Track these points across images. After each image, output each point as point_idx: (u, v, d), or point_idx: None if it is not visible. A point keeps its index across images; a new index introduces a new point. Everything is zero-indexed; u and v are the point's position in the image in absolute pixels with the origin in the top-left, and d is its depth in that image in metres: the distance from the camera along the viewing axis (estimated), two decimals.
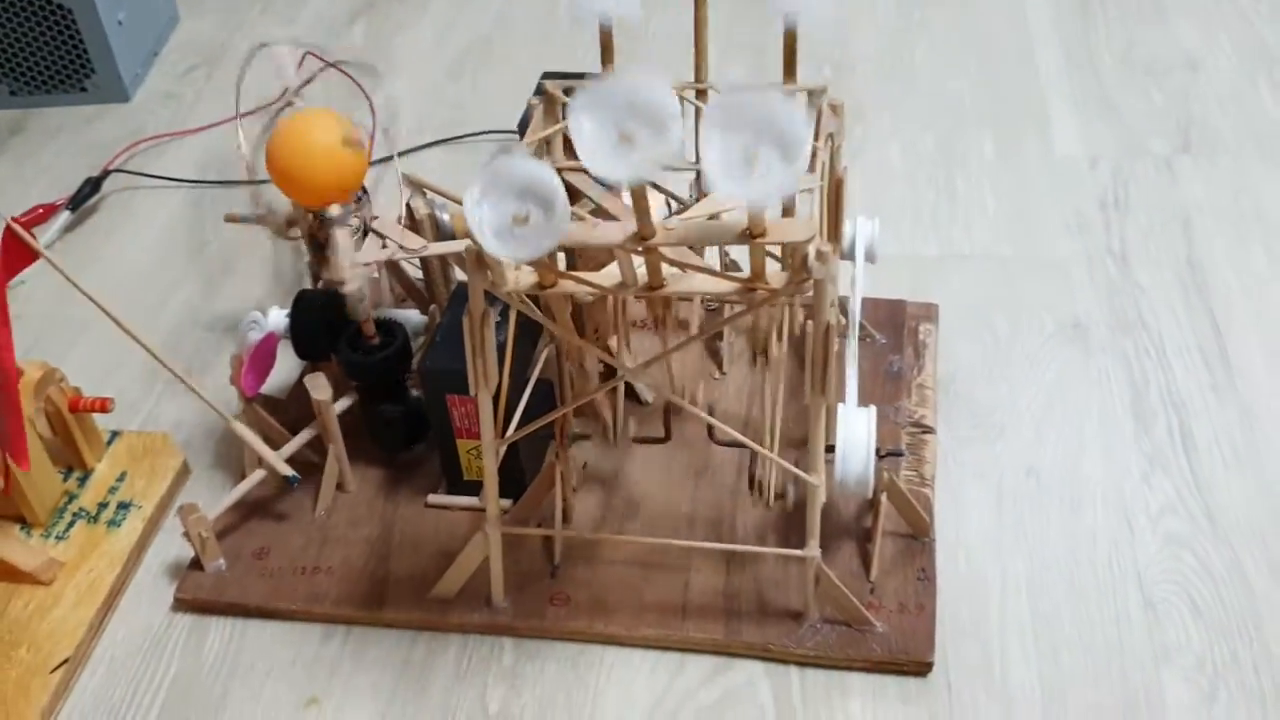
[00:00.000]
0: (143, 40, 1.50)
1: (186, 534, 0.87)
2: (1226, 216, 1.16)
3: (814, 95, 0.78)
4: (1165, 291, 1.08)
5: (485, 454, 0.77)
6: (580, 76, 0.83)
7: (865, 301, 1.06)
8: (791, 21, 0.78)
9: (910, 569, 0.85)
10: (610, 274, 0.69)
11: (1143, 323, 1.06)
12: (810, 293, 0.67)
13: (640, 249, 0.64)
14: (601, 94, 0.56)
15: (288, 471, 0.90)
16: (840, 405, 0.81)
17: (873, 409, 0.81)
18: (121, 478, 0.97)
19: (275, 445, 0.95)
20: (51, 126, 1.43)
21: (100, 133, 1.41)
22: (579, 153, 0.56)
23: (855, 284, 0.93)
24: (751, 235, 0.63)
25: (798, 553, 0.78)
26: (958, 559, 0.88)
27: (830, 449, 0.80)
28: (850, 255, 0.95)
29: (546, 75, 0.83)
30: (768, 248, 0.65)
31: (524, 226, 0.61)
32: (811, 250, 0.65)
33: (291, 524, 0.92)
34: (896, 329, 1.04)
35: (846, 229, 0.96)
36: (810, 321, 0.69)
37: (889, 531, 0.87)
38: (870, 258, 0.96)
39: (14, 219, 1.27)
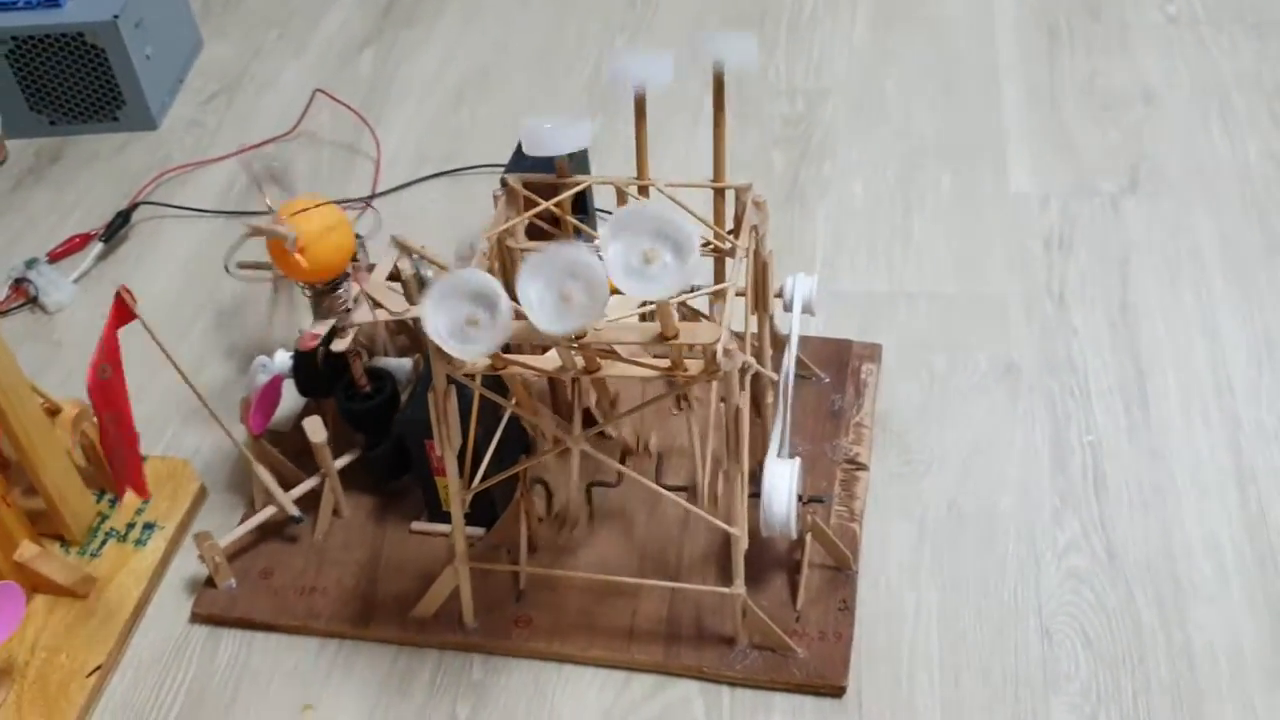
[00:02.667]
0: (169, 70, 1.61)
1: (202, 558, 1.00)
2: (1163, 258, 1.25)
3: (741, 192, 0.88)
4: (1096, 334, 1.18)
5: (452, 501, 0.89)
6: (547, 165, 0.93)
7: (813, 341, 1.17)
8: (719, 66, 0.88)
9: (833, 599, 0.96)
10: (552, 359, 0.80)
11: (1071, 364, 1.15)
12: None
13: (574, 345, 0.76)
14: (544, 261, 0.67)
15: (294, 512, 1.02)
16: (769, 457, 0.92)
17: (796, 461, 0.92)
18: (147, 501, 1.10)
19: (280, 474, 1.07)
20: (86, 154, 1.55)
21: (130, 160, 1.53)
22: (527, 312, 0.68)
23: (790, 340, 1.03)
24: (664, 337, 0.74)
25: (725, 590, 0.89)
26: (879, 589, 0.99)
27: (757, 495, 0.91)
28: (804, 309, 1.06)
29: (509, 169, 0.94)
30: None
31: (474, 327, 0.72)
32: (720, 348, 0.76)
33: (293, 547, 1.04)
34: (840, 368, 1.15)
35: (786, 285, 1.06)
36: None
37: (816, 564, 0.99)
38: (808, 310, 1.06)
39: (51, 252, 1.41)
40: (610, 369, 0.79)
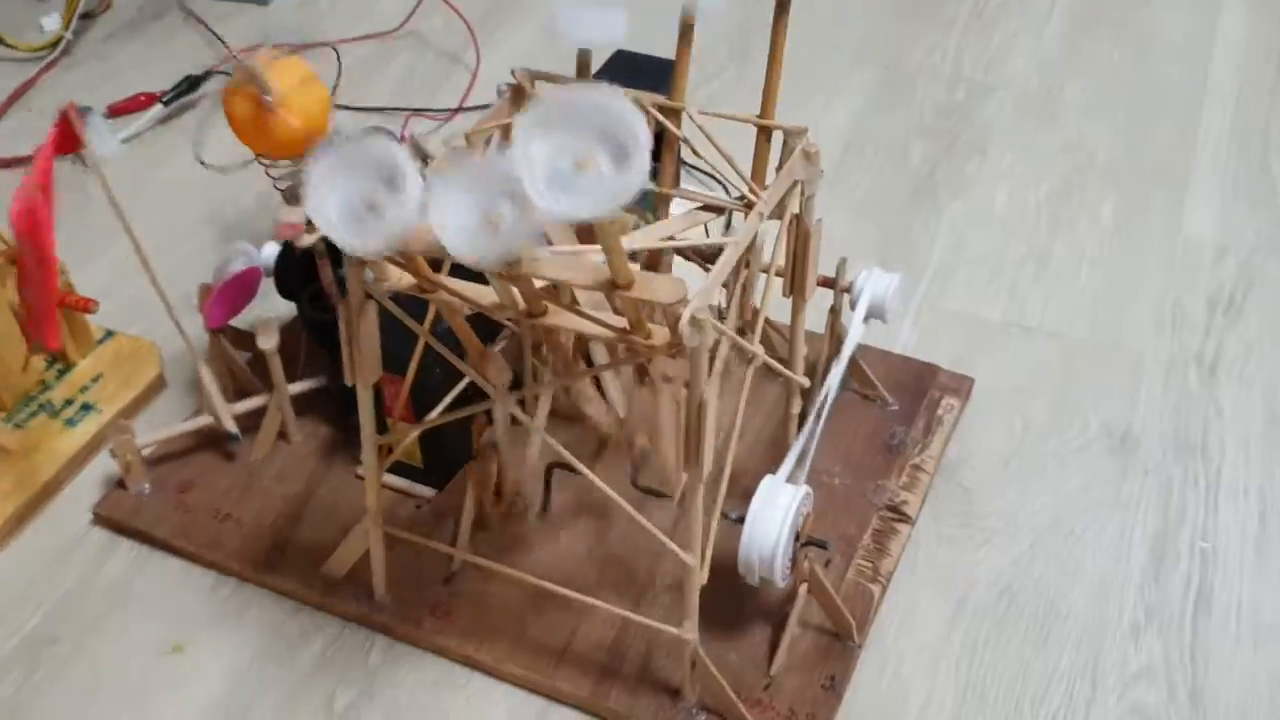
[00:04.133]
0: None
1: (113, 452, 0.86)
2: None
3: (791, 136, 0.69)
4: (1246, 420, 0.94)
5: (364, 448, 0.72)
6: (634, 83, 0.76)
7: (892, 358, 0.96)
8: (689, 10, 0.69)
9: (818, 672, 0.76)
10: (490, 292, 0.62)
11: (1205, 450, 0.91)
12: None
13: (504, 276, 0.58)
14: (469, 171, 0.50)
15: (231, 427, 0.88)
16: (768, 476, 0.73)
17: (802, 491, 0.73)
18: (97, 379, 0.97)
19: (237, 383, 0.93)
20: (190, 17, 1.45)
21: (231, 29, 1.42)
22: (438, 232, 0.51)
23: (845, 345, 0.83)
24: (615, 285, 0.56)
25: (672, 630, 0.70)
26: (883, 672, 0.78)
27: (741, 520, 0.72)
28: (871, 312, 0.85)
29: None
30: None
31: (374, 213, 0.55)
32: (684, 315, 0.57)
33: (225, 465, 0.90)
34: (915, 396, 0.94)
35: (858, 279, 0.86)
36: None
37: (812, 625, 0.78)
38: (878, 315, 0.86)
39: (112, 105, 1.30)
40: (556, 317, 0.61)
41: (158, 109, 1.29)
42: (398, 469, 0.88)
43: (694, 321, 0.57)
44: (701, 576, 0.68)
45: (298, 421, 0.91)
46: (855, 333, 0.84)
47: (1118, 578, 0.83)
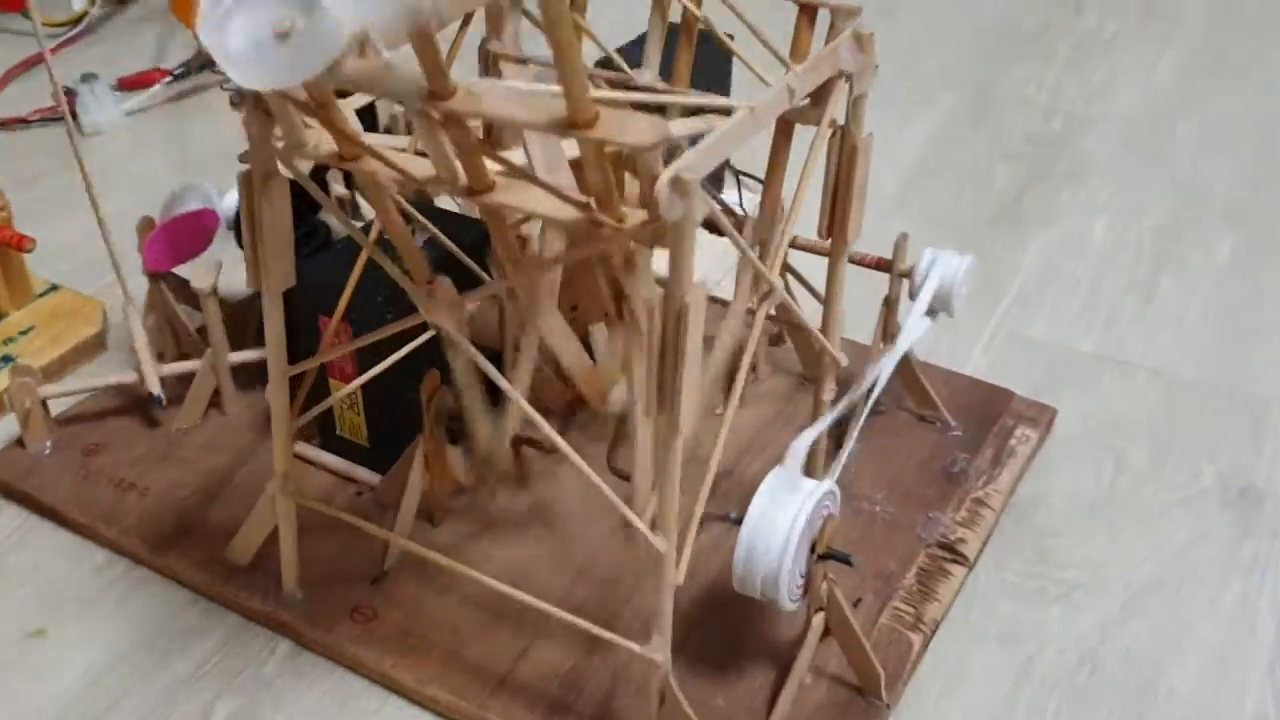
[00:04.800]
0: None
1: (9, 398, 0.72)
2: None
3: (839, 15, 0.54)
4: None
5: (272, 383, 0.57)
6: None
7: (959, 379, 0.79)
8: None
9: None
10: (425, 164, 0.48)
11: None
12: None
13: (437, 115, 0.43)
14: None
15: (155, 389, 0.73)
16: (782, 466, 0.56)
17: (824, 485, 0.56)
18: (27, 331, 0.84)
19: (181, 342, 0.79)
20: None
21: None
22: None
23: (904, 335, 0.67)
24: (573, 124, 0.41)
25: (635, 647, 0.53)
26: None
27: (738, 521, 0.55)
28: (934, 304, 0.69)
29: None
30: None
31: (284, 42, 0.41)
32: (666, 176, 0.41)
33: (145, 431, 0.76)
34: (985, 421, 0.76)
35: (922, 260, 0.70)
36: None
37: (829, 674, 0.61)
38: (944, 308, 0.70)
39: (122, 78, 1.21)
40: (506, 194, 0.46)
41: (166, 84, 1.19)
42: (339, 447, 0.72)
43: (676, 184, 0.41)
44: (677, 574, 0.51)
45: (238, 392, 0.77)
46: (915, 326, 0.68)
47: (1238, 654, 0.64)
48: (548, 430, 0.52)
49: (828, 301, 0.61)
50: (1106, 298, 0.92)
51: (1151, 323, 0.89)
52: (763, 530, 0.54)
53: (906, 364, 0.75)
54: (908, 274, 0.71)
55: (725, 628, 0.63)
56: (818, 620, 0.58)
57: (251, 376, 0.77)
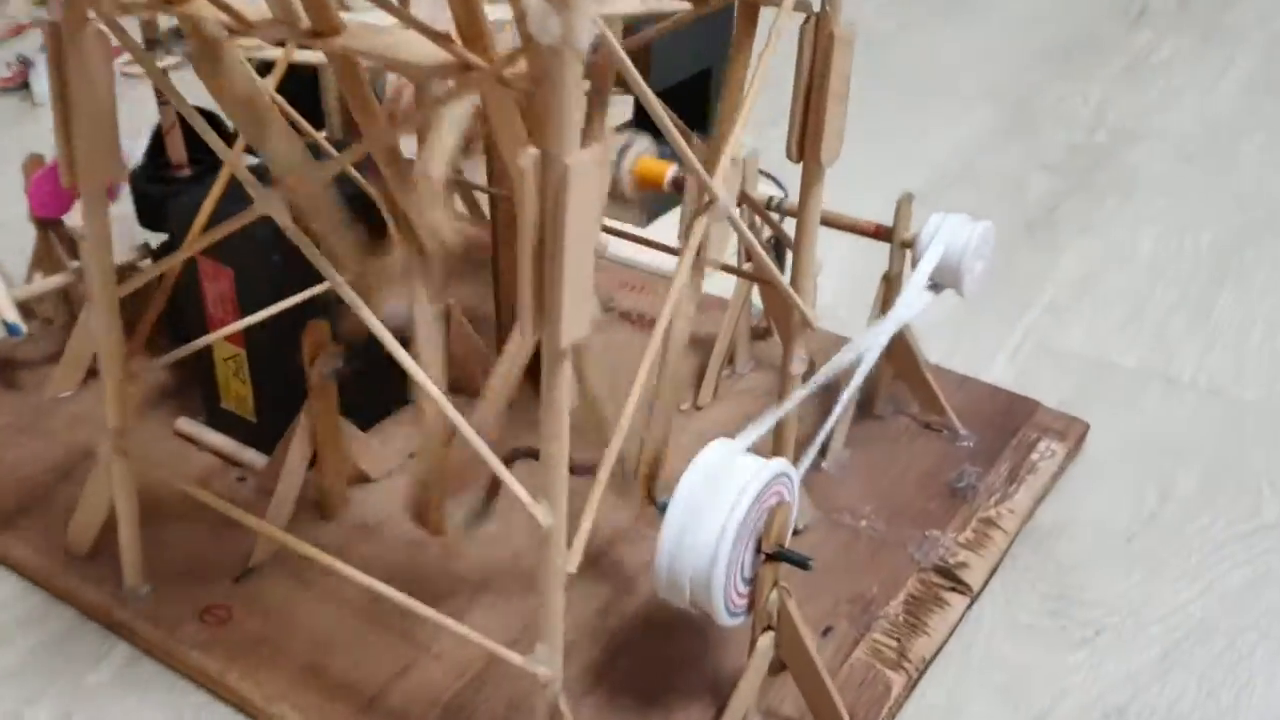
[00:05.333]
0: None
1: None
2: None
3: None
4: None
5: (96, 310, 0.46)
6: None
7: (974, 384, 0.67)
8: None
9: None
10: (261, 7, 0.37)
11: None
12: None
13: None
14: None
15: (9, 316, 0.63)
16: (724, 440, 0.44)
17: (775, 465, 0.43)
18: None
19: (73, 304, 0.69)
20: None
21: None
22: None
23: (896, 308, 0.55)
24: None
25: (515, 658, 0.41)
26: None
27: (662, 508, 0.43)
28: (940, 277, 0.57)
29: None
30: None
31: None
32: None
33: (11, 394, 0.65)
34: (1002, 433, 0.64)
35: (928, 225, 0.58)
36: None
37: (781, 716, 0.48)
38: (952, 284, 0.58)
39: None
40: (355, 38, 0.35)
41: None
42: (225, 422, 0.61)
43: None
44: (569, 557, 0.39)
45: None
46: (914, 299, 0.56)
47: None
48: (434, 393, 0.40)
49: (798, 244, 0.49)
50: (1155, 311, 0.79)
51: (1208, 339, 0.76)
52: (693, 516, 0.42)
53: (910, 361, 0.63)
54: (911, 244, 0.59)
55: (659, 654, 0.51)
56: (765, 643, 0.45)
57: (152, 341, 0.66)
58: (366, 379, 0.55)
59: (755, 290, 0.66)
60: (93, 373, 0.66)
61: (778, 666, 0.47)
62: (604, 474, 0.40)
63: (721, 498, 0.42)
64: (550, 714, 0.41)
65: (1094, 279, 0.83)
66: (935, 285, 0.58)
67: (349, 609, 0.52)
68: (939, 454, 0.62)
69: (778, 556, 0.43)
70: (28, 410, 0.64)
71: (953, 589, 0.54)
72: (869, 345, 0.52)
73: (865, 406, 0.65)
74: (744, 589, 0.44)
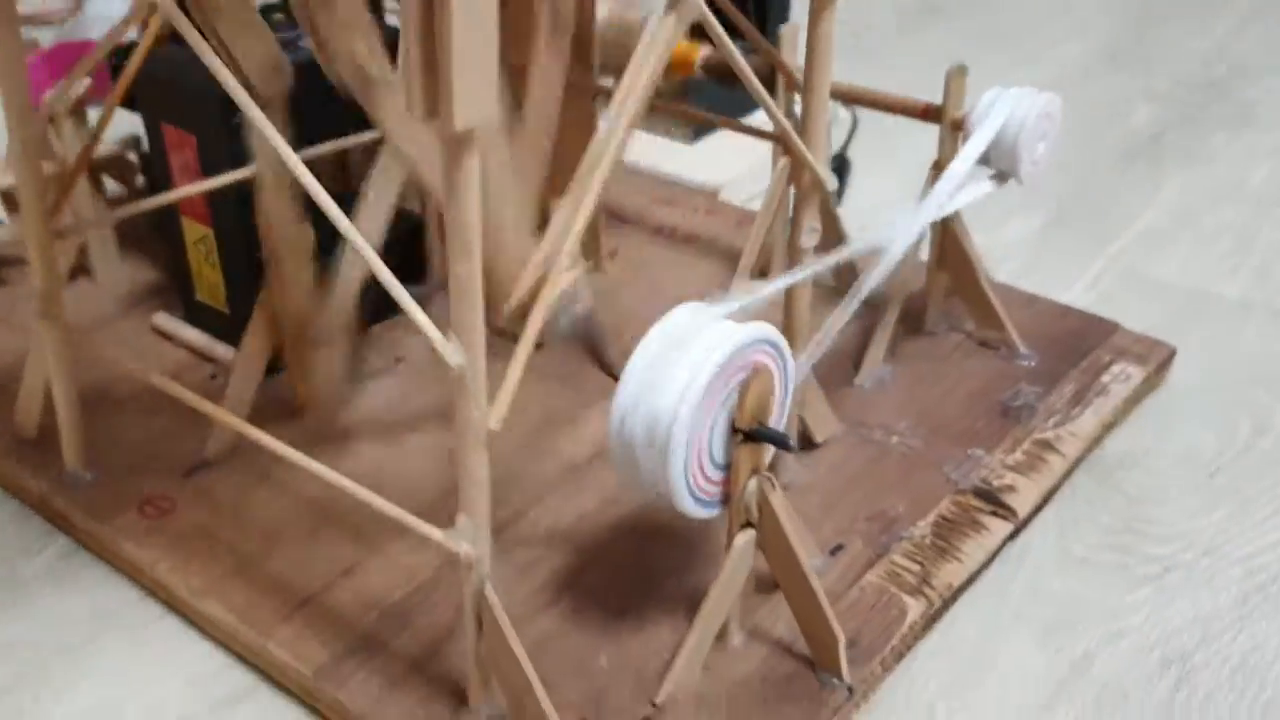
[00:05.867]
0: None
1: None
2: None
3: None
4: None
5: (9, 148, 0.42)
6: None
7: (1044, 303, 0.59)
8: None
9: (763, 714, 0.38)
10: None
11: None
12: None
13: None
14: None
15: None
16: (691, 303, 0.37)
17: (757, 329, 0.37)
18: None
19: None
20: None
21: None
22: None
23: (939, 186, 0.47)
24: None
25: (435, 533, 0.35)
26: None
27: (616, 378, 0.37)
28: (994, 158, 0.50)
29: None
30: None
31: None
32: None
33: None
34: (1071, 353, 0.56)
35: (981, 102, 0.50)
36: None
37: (773, 637, 0.41)
38: (1008, 168, 0.50)
39: None
40: None
41: None
42: (200, 316, 0.56)
43: None
44: (490, 411, 0.33)
45: (121, 255, 0.62)
46: (956, 180, 0.48)
47: None
48: (347, 228, 0.35)
49: (808, 85, 0.42)
50: (1263, 246, 0.69)
51: None
52: (649, 382, 0.35)
53: (966, 269, 0.55)
54: (963, 124, 0.51)
55: (638, 565, 0.44)
56: (743, 541, 0.38)
57: (135, 234, 0.63)
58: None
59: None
60: (81, 269, 0.62)
61: (772, 582, 0.41)
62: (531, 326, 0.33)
63: (685, 358, 0.35)
64: (476, 604, 0.35)
65: (1195, 210, 0.73)
66: (992, 165, 0.50)
67: (302, 506, 0.47)
68: (994, 372, 0.54)
69: (753, 435, 0.37)
70: (5, 302, 0.60)
71: (993, 513, 0.47)
72: (899, 231, 0.45)
73: (914, 321, 0.57)
74: (716, 474, 0.37)
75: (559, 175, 0.50)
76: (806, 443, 0.49)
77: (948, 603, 0.44)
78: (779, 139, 0.47)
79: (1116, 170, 0.78)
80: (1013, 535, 0.47)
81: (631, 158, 0.75)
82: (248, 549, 0.45)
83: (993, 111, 0.50)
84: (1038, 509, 0.48)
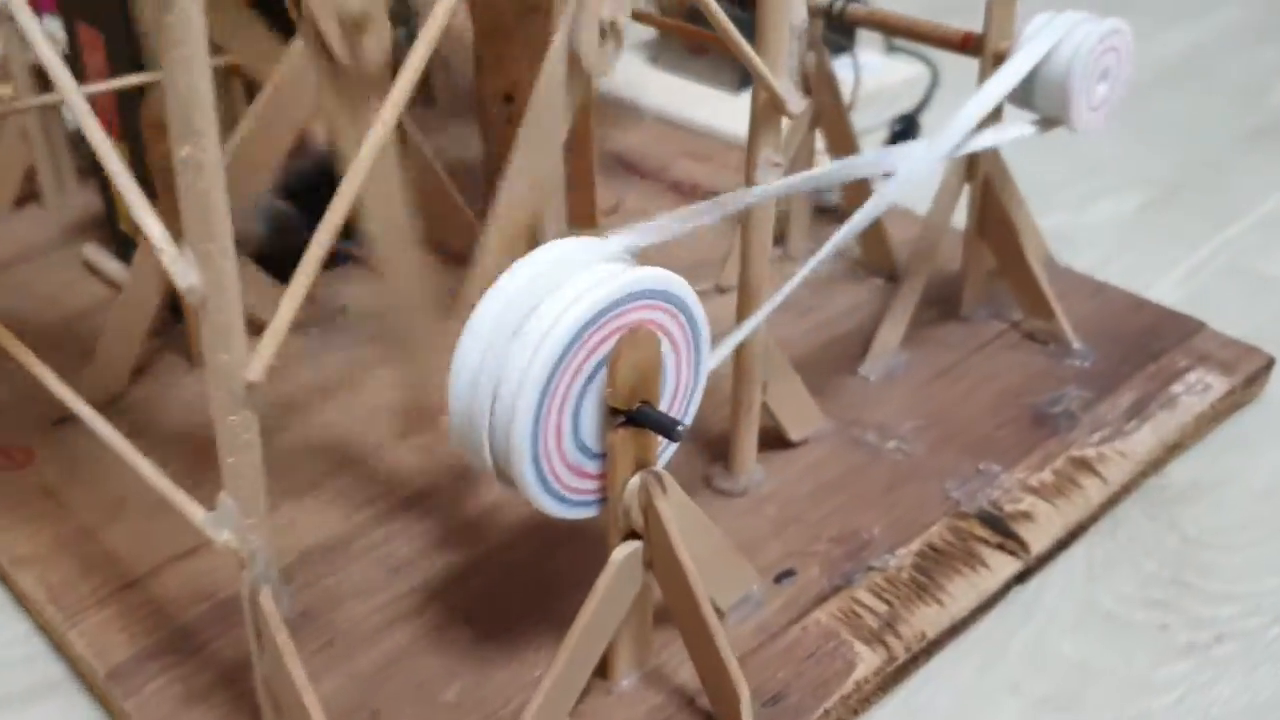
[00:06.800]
0: None
1: None
2: None
3: None
4: None
5: None
6: None
7: (1113, 292, 0.49)
8: None
9: None
10: None
11: None
12: None
13: None
14: None
15: None
16: (574, 238, 0.29)
17: (656, 274, 0.28)
18: None
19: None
20: None
21: None
22: None
23: (957, 119, 0.37)
24: None
25: (197, 513, 0.27)
26: None
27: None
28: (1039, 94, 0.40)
29: None
30: None
31: None
32: None
33: None
34: (1137, 354, 0.45)
35: (1031, 24, 0.40)
36: None
37: (675, 683, 0.32)
38: (1056, 109, 0.40)
39: None
40: None
41: None
42: (120, 247, 0.50)
43: None
44: (247, 357, 0.25)
45: (79, 180, 0.57)
46: (976, 112, 0.38)
47: None
48: None
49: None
50: None
51: None
52: (499, 333, 0.27)
53: (1009, 242, 0.45)
54: (1001, 56, 0.41)
55: (531, 572, 0.36)
56: (623, 557, 0.30)
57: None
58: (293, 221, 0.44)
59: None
60: (32, 195, 0.56)
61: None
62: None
63: (544, 308, 0.27)
64: (252, 608, 0.28)
65: None
66: (1042, 118, 0.40)
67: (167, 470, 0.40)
68: (1036, 371, 0.44)
69: (634, 418, 0.28)
70: None
71: (999, 546, 0.37)
72: (896, 165, 0.36)
73: (949, 304, 0.48)
74: (589, 465, 0.28)
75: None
76: (779, 441, 0.40)
77: (917, 658, 0.34)
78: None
79: (1240, 149, 0.66)
80: (1022, 577, 0.37)
81: (663, 104, 0.67)
82: (90, 516, 0.38)
83: (1043, 34, 0.40)
84: (1062, 545, 0.38)
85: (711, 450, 0.40)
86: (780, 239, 0.52)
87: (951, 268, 0.48)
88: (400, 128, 0.50)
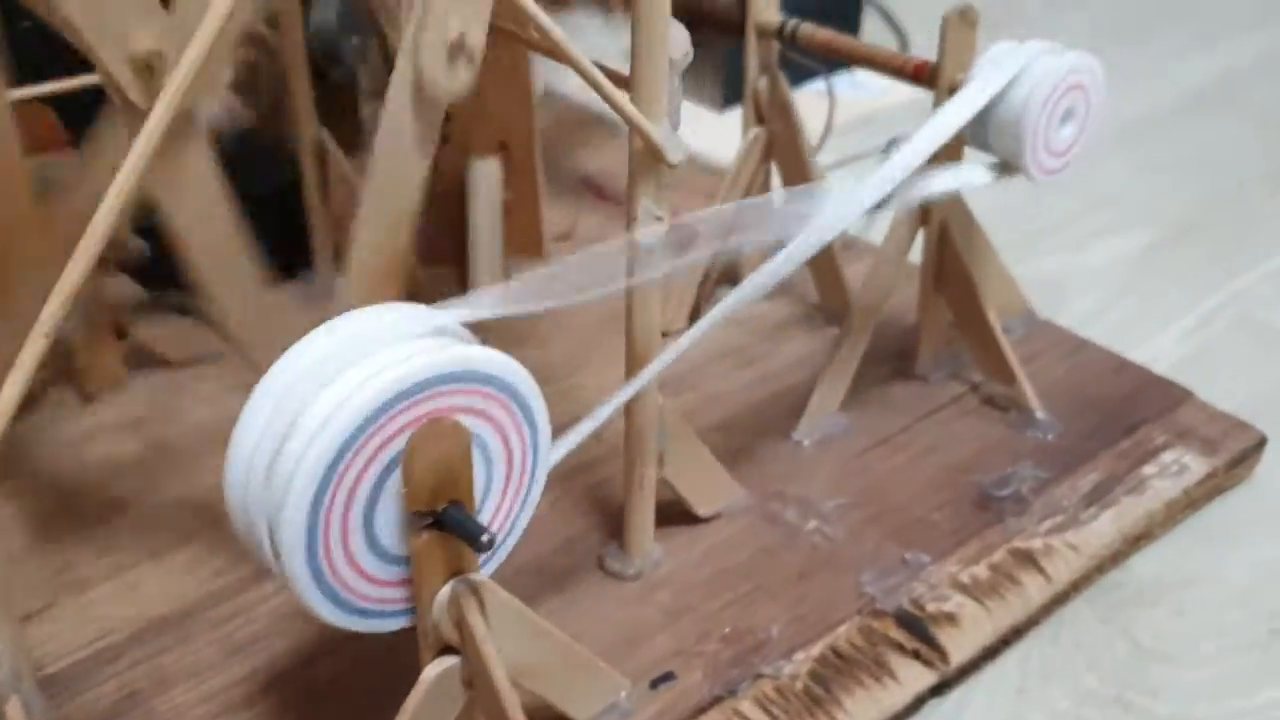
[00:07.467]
0: None
1: None
2: None
3: None
4: None
5: None
6: None
7: (1093, 352, 0.45)
8: None
9: None
10: None
11: None
12: None
13: None
14: None
15: None
16: (400, 304, 0.25)
17: (479, 355, 0.24)
18: None
19: None
20: None
21: None
22: None
23: (882, 170, 0.33)
24: None
25: None
26: None
27: None
28: (991, 134, 0.35)
29: None
30: None
31: None
32: None
33: None
34: (1110, 426, 0.40)
35: (988, 53, 0.36)
36: None
37: None
38: (1007, 152, 0.35)
39: None
40: None
41: None
42: None
43: None
44: None
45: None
46: (917, 154, 0.34)
47: None
48: None
49: (636, 18, 0.29)
50: None
51: None
52: (280, 415, 0.23)
53: (967, 295, 0.40)
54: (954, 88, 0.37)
55: (383, 660, 0.32)
56: (434, 675, 0.26)
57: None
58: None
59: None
60: None
61: None
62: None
63: (327, 391, 0.23)
64: None
65: None
66: (999, 162, 0.36)
67: (48, 508, 0.37)
68: (990, 443, 0.40)
69: (441, 521, 0.24)
70: None
71: (915, 653, 0.33)
72: (820, 205, 0.31)
73: (904, 361, 0.43)
74: (388, 572, 0.25)
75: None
76: (686, 515, 0.36)
77: None
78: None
79: (1264, 189, 0.60)
80: (938, 689, 0.33)
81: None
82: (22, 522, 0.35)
83: (994, 71, 0.35)
84: (990, 653, 0.34)
85: (611, 525, 0.36)
86: (733, 281, 0.48)
87: (910, 318, 0.43)
88: (321, 145, 0.47)
